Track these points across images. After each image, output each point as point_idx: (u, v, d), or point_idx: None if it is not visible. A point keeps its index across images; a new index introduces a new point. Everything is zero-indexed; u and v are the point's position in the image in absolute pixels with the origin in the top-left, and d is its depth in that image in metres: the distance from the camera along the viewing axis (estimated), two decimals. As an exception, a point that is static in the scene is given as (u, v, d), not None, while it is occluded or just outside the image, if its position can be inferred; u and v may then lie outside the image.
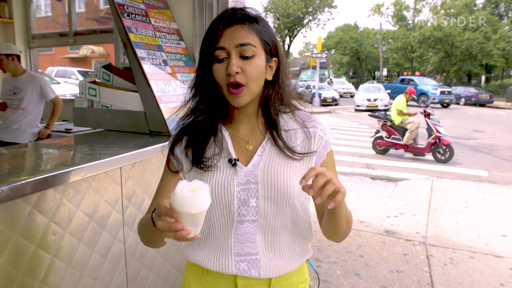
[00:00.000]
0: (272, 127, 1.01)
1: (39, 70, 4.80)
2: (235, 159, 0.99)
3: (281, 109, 1.03)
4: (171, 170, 1.06)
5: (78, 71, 14.92)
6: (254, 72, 0.94)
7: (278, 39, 1.03)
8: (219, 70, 0.94)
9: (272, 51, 0.99)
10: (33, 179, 1.31)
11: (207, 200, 0.78)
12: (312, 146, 1.01)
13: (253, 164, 0.99)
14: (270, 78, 1.00)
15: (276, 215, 0.99)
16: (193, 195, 0.76)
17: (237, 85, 0.93)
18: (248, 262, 0.99)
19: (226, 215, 0.99)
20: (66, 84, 11.90)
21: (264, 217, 0.98)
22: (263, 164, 0.98)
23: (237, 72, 0.92)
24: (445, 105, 20.93)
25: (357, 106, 19.23)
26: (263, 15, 1.01)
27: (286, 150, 0.99)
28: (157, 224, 0.79)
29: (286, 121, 1.03)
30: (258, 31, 0.96)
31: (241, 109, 1.00)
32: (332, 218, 0.95)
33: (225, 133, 1.02)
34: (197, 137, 1.01)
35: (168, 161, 1.07)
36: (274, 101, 1.01)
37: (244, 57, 0.93)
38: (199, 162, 0.99)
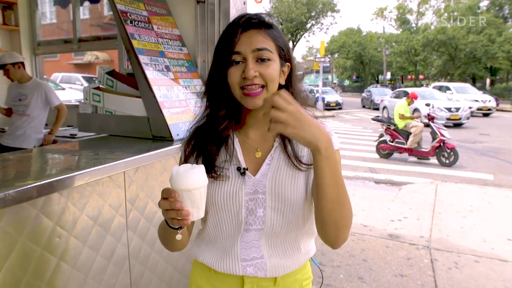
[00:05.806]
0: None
1: (44, 77, 4.86)
2: (244, 169, 1.00)
3: None
4: None
5: (82, 77, 15.08)
6: (272, 74, 0.95)
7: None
8: (234, 72, 0.95)
9: (286, 56, 1.00)
10: (39, 183, 1.34)
11: (202, 177, 0.83)
12: None
13: (261, 174, 1.00)
14: (283, 82, 1.01)
15: (282, 224, 1.00)
16: (187, 171, 0.82)
17: (255, 87, 0.94)
18: (254, 266, 1.01)
19: (234, 223, 1.00)
20: (71, 90, 12.01)
21: (271, 226, 0.99)
22: (271, 174, 0.99)
23: (254, 76, 0.93)
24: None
25: (440, 118, 10.26)
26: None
27: (294, 159, 0.99)
28: (159, 203, 0.85)
29: None
30: (274, 37, 0.97)
31: (253, 113, 1.01)
32: (317, 184, 0.87)
33: (235, 140, 1.03)
34: (210, 144, 1.02)
35: None
36: None
37: (260, 61, 0.94)
38: (211, 170, 1.00)
